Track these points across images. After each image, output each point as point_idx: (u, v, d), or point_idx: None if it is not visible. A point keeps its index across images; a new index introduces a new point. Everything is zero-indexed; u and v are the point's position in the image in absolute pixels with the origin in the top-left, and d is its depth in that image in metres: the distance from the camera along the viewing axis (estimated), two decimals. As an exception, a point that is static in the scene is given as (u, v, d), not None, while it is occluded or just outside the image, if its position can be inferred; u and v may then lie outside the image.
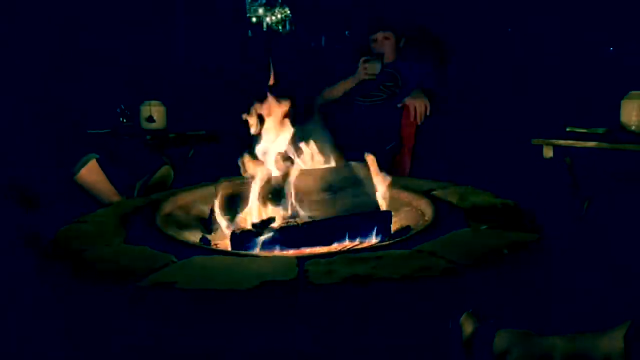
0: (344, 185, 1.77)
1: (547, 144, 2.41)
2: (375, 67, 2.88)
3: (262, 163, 1.82)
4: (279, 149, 1.85)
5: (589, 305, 1.77)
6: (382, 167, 1.85)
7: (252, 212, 1.73)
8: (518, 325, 0.95)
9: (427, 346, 1.20)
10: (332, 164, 1.90)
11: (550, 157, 2.39)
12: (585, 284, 1.92)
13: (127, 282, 1.21)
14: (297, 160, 1.86)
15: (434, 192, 1.98)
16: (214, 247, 1.68)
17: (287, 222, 1.68)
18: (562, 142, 2.39)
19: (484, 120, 3.31)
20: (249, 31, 4.13)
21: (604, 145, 2.26)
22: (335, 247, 1.63)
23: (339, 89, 3.05)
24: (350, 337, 1.17)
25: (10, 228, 2.05)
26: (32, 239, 2.05)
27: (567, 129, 2.52)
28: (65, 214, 1.90)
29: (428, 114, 2.79)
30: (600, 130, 2.42)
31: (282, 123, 1.88)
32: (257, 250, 1.56)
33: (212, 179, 2.13)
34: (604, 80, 3.08)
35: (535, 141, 2.44)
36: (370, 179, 1.81)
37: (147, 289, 1.18)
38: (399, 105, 2.91)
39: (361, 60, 2.89)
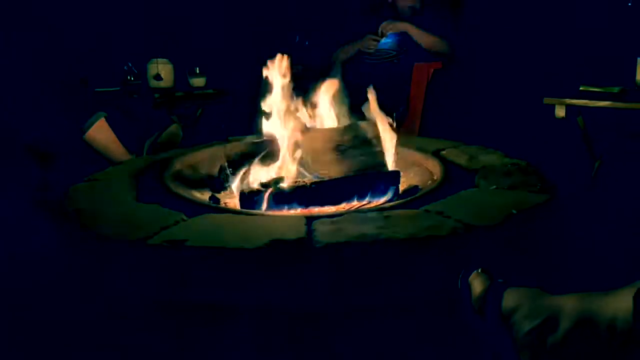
0: (353, 145, 1.76)
1: (560, 104, 2.36)
2: (376, 44, 3.05)
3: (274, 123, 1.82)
4: (289, 108, 1.84)
5: (599, 267, 1.77)
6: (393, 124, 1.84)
7: (261, 172, 1.74)
8: (526, 286, 0.95)
9: (434, 304, 1.22)
10: (342, 122, 1.88)
11: (563, 117, 2.35)
12: (595, 245, 1.92)
13: (138, 239, 1.22)
14: (306, 119, 1.85)
15: (443, 152, 1.96)
16: (224, 206, 1.69)
17: (296, 182, 1.68)
18: (575, 101, 2.34)
19: (494, 79, 3.24)
20: None
21: (619, 105, 2.21)
22: (343, 206, 1.64)
23: (346, 51, 3.13)
24: (357, 295, 1.19)
25: (25, 185, 2.08)
26: (43, 196, 2.07)
27: (581, 88, 2.46)
28: (76, 172, 1.92)
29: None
30: (615, 90, 2.37)
31: (290, 82, 1.86)
32: (265, 209, 1.57)
33: (221, 138, 2.13)
34: (620, 36, 2.98)
35: (547, 100, 2.39)
36: (379, 138, 1.80)
37: (157, 246, 1.19)
38: None
39: (367, 37, 3.04)
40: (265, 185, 1.64)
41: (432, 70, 2.88)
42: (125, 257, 1.25)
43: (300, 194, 1.62)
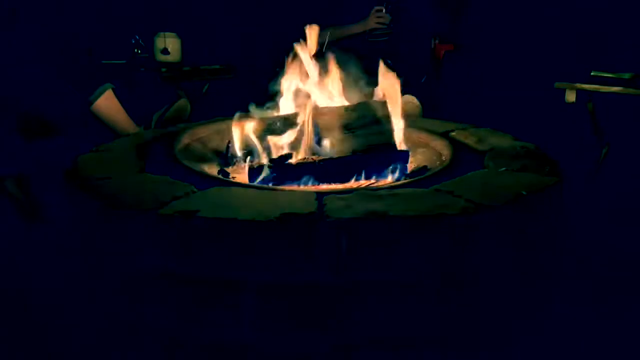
0: (362, 124, 1.75)
1: (570, 88, 2.34)
2: (387, 17, 2.83)
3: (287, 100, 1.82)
4: (298, 87, 1.84)
5: (604, 248, 1.78)
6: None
7: (270, 148, 1.74)
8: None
9: (443, 281, 1.23)
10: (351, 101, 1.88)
11: (573, 102, 2.34)
12: (602, 228, 1.92)
13: (150, 209, 1.23)
14: (316, 97, 1.84)
15: (452, 134, 1.95)
16: (232, 179, 1.69)
17: (304, 159, 1.68)
18: (585, 86, 2.32)
19: (505, 62, 3.22)
20: None
21: (630, 90, 2.20)
22: (350, 184, 1.64)
23: (343, 32, 2.90)
24: (366, 270, 1.20)
25: (30, 156, 2.07)
26: (47, 168, 2.07)
27: (592, 73, 2.44)
28: (83, 143, 1.91)
29: None
30: (627, 76, 2.35)
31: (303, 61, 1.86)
32: (273, 185, 1.57)
33: (228, 113, 2.12)
34: (634, 23, 2.95)
35: (558, 85, 2.38)
36: (388, 117, 1.79)
37: (169, 216, 1.20)
38: None
39: (373, 10, 2.83)
40: (273, 162, 1.64)
41: (444, 52, 2.85)
42: (136, 226, 1.25)
43: (309, 171, 1.62)
